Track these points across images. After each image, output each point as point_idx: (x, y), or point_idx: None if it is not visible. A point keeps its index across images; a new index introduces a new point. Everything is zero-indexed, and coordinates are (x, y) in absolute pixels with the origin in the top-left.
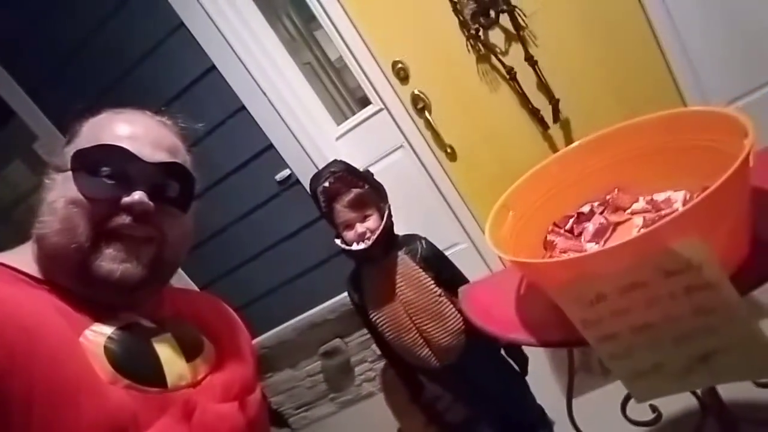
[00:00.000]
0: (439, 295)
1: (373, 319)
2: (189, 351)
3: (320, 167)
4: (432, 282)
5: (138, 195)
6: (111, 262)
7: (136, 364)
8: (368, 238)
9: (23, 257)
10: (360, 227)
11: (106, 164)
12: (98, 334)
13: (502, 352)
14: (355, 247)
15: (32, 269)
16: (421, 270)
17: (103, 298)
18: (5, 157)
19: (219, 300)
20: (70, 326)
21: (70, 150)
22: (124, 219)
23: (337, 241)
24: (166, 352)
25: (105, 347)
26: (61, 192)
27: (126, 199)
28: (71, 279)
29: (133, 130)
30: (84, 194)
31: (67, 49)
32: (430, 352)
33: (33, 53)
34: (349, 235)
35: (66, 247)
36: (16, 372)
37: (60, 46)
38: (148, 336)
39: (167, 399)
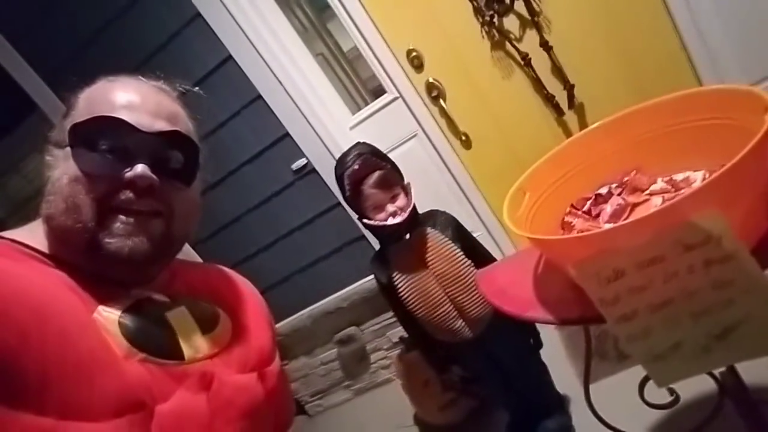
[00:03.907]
0: (469, 265)
1: (403, 297)
2: (204, 324)
3: (336, 156)
4: (461, 252)
5: (140, 168)
6: (119, 238)
7: (151, 338)
8: (401, 215)
9: (35, 234)
10: (390, 207)
11: (104, 137)
12: (112, 310)
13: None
14: (391, 221)
15: (43, 246)
16: (449, 241)
17: (115, 274)
18: (27, 150)
19: (233, 272)
20: (83, 303)
21: (67, 124)
22: (129, 194)
23: (365, 221)
24: (181, 325)
25: (119, 323)
26: (63, 169)
27: (128, 174)
28: (81, 257)
29: (129, 99)
30: (84, 171)
31: (86, 39)
32: (463, 323)
33: (52, 44)
34: (380, 216)
35: (72, 227)
36: (29, 350)
37: (79, 37)
38: (163, 310)
39: (184, 372)
